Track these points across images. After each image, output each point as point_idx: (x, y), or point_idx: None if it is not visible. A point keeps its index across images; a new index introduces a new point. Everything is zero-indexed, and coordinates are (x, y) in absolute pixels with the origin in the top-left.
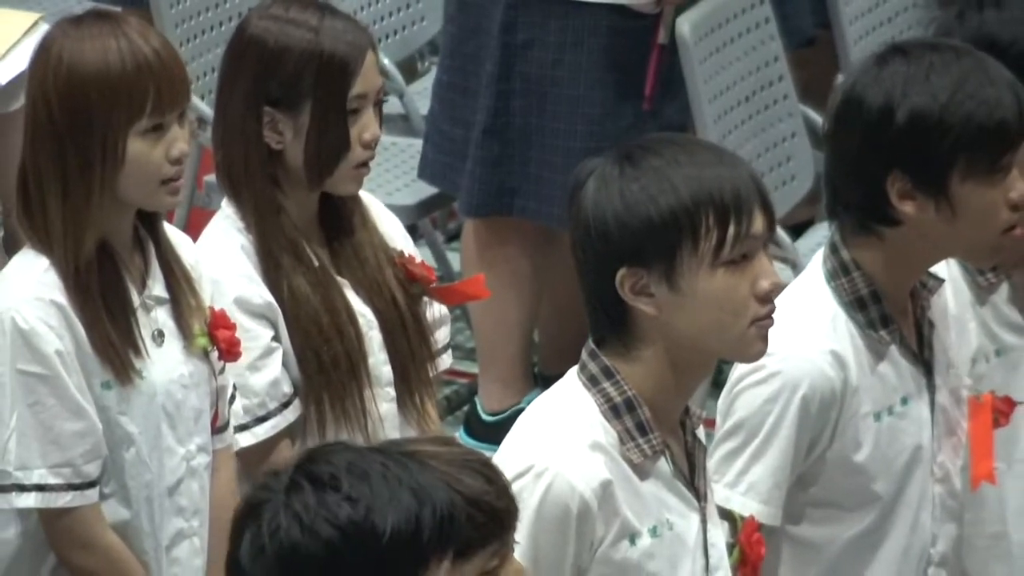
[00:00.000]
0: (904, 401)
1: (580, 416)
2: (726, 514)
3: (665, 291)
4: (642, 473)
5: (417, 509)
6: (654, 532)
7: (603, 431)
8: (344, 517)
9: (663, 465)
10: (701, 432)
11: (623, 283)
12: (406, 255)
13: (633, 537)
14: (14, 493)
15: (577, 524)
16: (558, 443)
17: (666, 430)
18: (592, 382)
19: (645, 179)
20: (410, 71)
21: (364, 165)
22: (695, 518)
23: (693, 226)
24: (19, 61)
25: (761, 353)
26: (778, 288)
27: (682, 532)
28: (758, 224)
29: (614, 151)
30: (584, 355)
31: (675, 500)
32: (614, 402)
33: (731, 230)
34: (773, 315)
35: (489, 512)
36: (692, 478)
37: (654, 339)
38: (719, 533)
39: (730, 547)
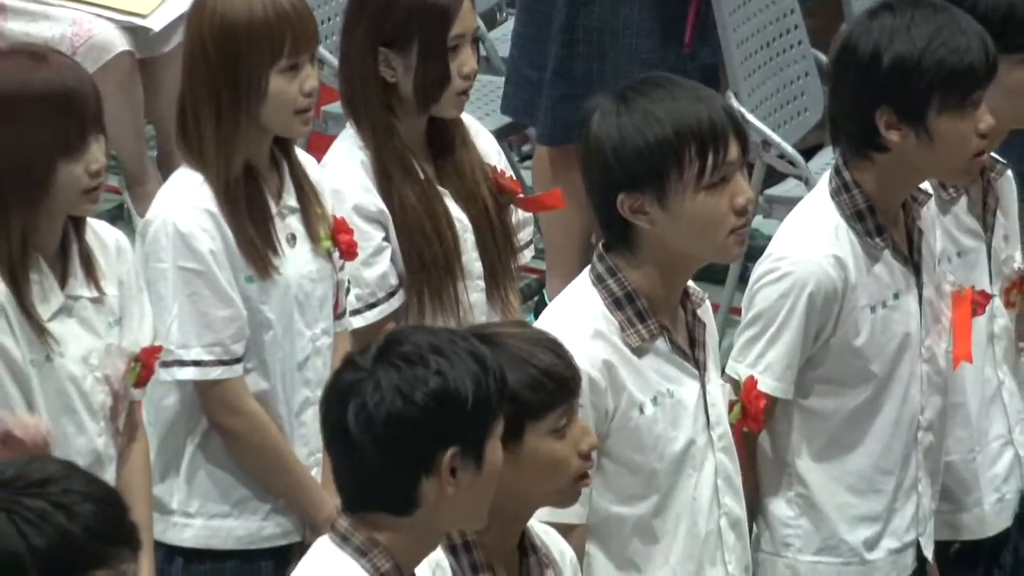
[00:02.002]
0: (896, 296)
1: (586, 309)
2: (735, 383)
3: (658, 210)
4: (641, 353)
5: (483, 376)
6: (655, 402)
7: (605, 322)
8: (435, 386)
9: (661, 344)
10: (708, 311)
11: (623, 204)
12: (498, 170)
13: (641, 407)
14: (176, 367)
15: (590, 397)
16: (566, 331)
17: (664, 315)
18: (599, 279)
19: (635, 116)
20: (490, 21)
21: (464, 93)
22: (695, 385)
23: (678, 156)
24: (169, 12)
25: (739, 256)
26: (751, 202)
27: (683, 398)
28: (733, 151)
29: (612, 92)
30: (594, 257)
31: (675, 371)
32: (616, 296)
33: (710, 159)
34: (748, 226)
35: (558, 380)
36: (693, 351)
37: (650, 247)
38: (719, 395)
39: (731, 405)
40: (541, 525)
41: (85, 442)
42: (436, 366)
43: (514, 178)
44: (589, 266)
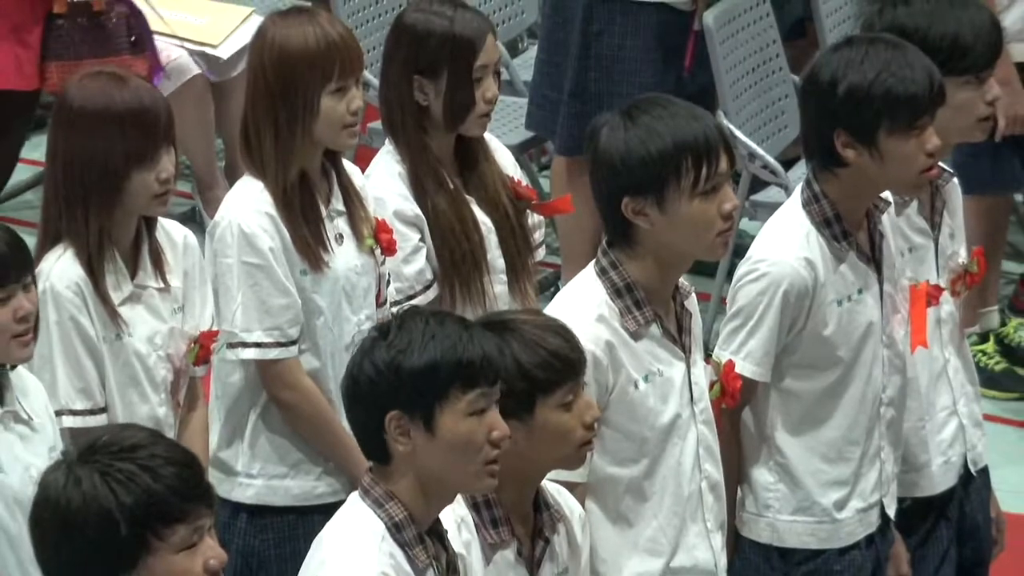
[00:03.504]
0: (860, 291)
1: (591, 297)
2: (715, 363)
3: (657, 213)
4: (637, 337)
5: (438, 356)
6: (647, 379)
7: (607, 307)
8: (387, 358)
9: (654, 329)
10: (694, 302)
11: (626, 207)
12: (515, 179)
13: (635, 384)
14: (240, 348)
15: (594, 372)
16: (573, 316)
17: (658, 305)
18: (602, 272)
19: (640, 131)
20: (513, 49)
21: (487, 115)
22: (681, 366)
23: (676, 167)
24: (237, 42)
25: (724, 255)
26: (736, 208)
27: (671, 376)
28: (723, 164)
29: (619, 109)
30: (598, 252)
31: (665, 354)
32: (617, 286)
33: (704, 170)
34: (733, 229)
35: (566, 361)
36: (680, 336)
37: (648, 244)
38: (701, 376)
39: (712, 384)
40: (553, 485)
41: (148, 410)
42: (399, 343)
43: (530, 186)
44: (594, 260)
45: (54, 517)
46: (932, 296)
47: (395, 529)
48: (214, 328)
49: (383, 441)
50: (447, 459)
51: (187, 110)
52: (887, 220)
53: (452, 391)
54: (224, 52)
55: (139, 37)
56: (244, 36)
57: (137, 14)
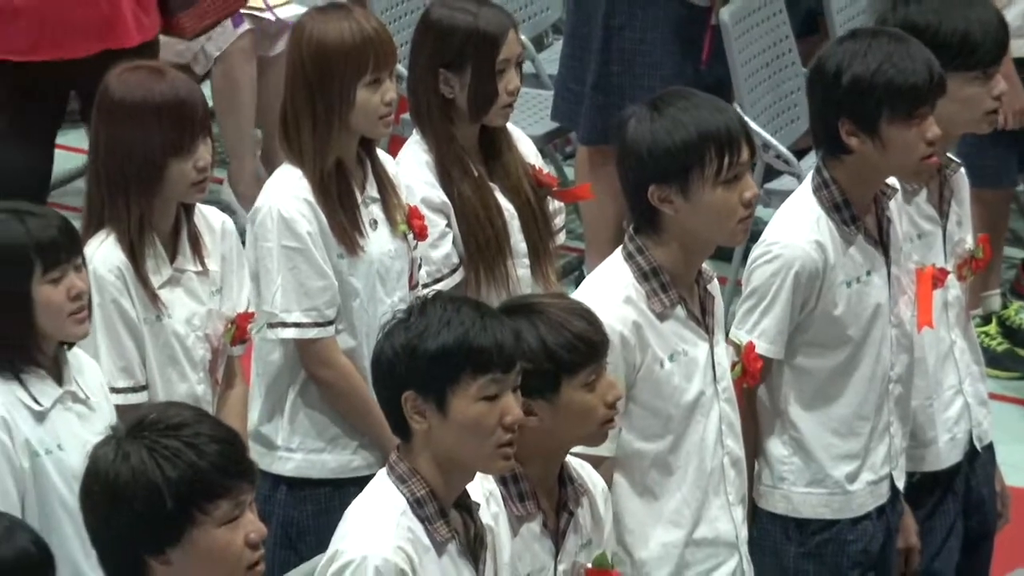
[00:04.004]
0: (868, 273)
1: (618, 280)
2: (735, 345)
3: (681, 200)
4: (663, 318)
5: (450, 342)
6: (672, 358)
7: (634, 290)
8: (403, 340)
9: (679, 311)
10: (716, 286)
11: (652, 195)
12: (537, 167)
13: (661, 363)
14: (279, 328)
15: (622, 351)
16: (601, 298)
17: (682, 288)
18: (629, 257)
19: (666, 122)
20: (539, 44)
21: (509, 107)
22: (704, 346)
23: (700, 157)
24: (286, 12)
25: (744, 240)
26: (756, 196)
27: (695, 356)
28: (744, 154)
29: (646, 101)
30: (625, 238)
31: (690, 334)
32: (643, 270)
33: (726, 160)
34: (752, 215)
35: (589, 343)
36: (704, 318)
37: (673, 230)
38: (723, 355)
39: (733, 364)
40: (577, 460)
41: (186, 388)
42: (416, 327)
43: (550, 174)
44: (621, 245)
45: (103, 490)
46: (938, 279)
47: (416, 504)
48: (250, 310)
49: (403, 418)
50: (459, 440)
51: (237, 61)
52: (895, 206)
53: (463, 376)
54: (283, 13)
55: None
56: (288, 13)
57: None
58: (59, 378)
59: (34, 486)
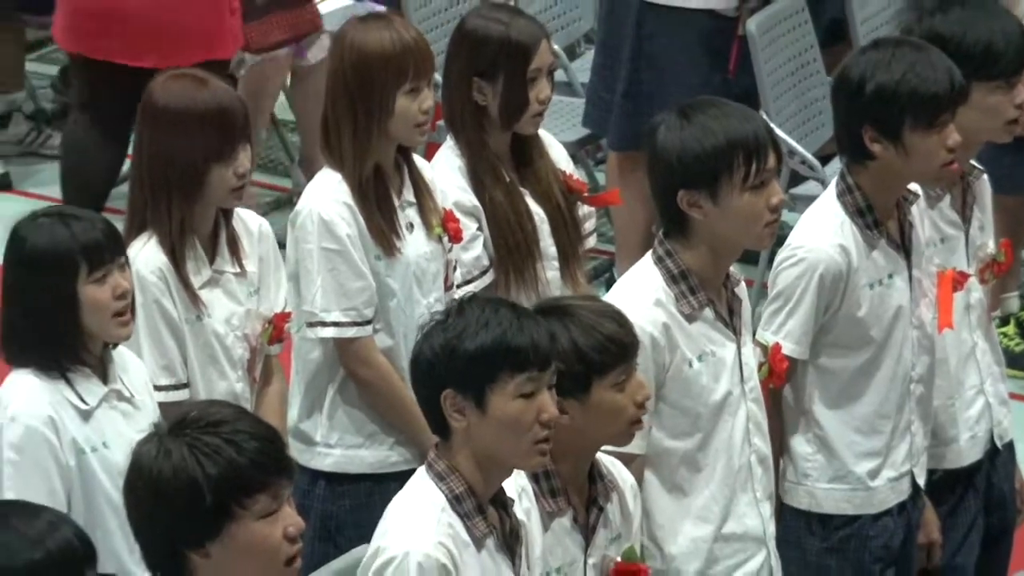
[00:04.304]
0: (890, 276)
1: (649, 283)
2: (763, 347)
3: (710, 205)
4: (691, 320)
5: (488, 342)
6: (701, 359)
7: (664, 293)
8: (442, 340)
9: (707, 313)
10: (743, 289)
11: (682, 200)
12: (567, 173)
13: (690, 363)
14: (319, 327)
15: (652, 352)
16: (632, 301)
17: (710, 291)
18: (659, 260)
19: (695, 129)
20: (571, 53)
21: (540, 115)
22: (732, 347)
23: (729, 163)
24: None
25: (770, 244)
26: (782, 202)
27: (722, 356)
28: (771, 161)
29: (675, 109)
30: (655, 242)
31: (718, 335)
32: (672, 273)
33: (754, 166)
34: (779, 220)
35: (620, 345)
36: (731, 320)
37: (701, 235)
38: (751, 356)
39: (760, 365)
40: (608, 457)
41: (226, 386)
42: (455, 328)
43: (580, 179)
44: (651, 249)
45: (146, 486)
46: (957, 281)
47: (455, 501)
48: (287, 310)
49: (442, 417)
50: (498, 437)
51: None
52: (916, 211)
53: (501, 374)
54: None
55: None
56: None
57: None
58: (104, 377)
59: (80, 483)
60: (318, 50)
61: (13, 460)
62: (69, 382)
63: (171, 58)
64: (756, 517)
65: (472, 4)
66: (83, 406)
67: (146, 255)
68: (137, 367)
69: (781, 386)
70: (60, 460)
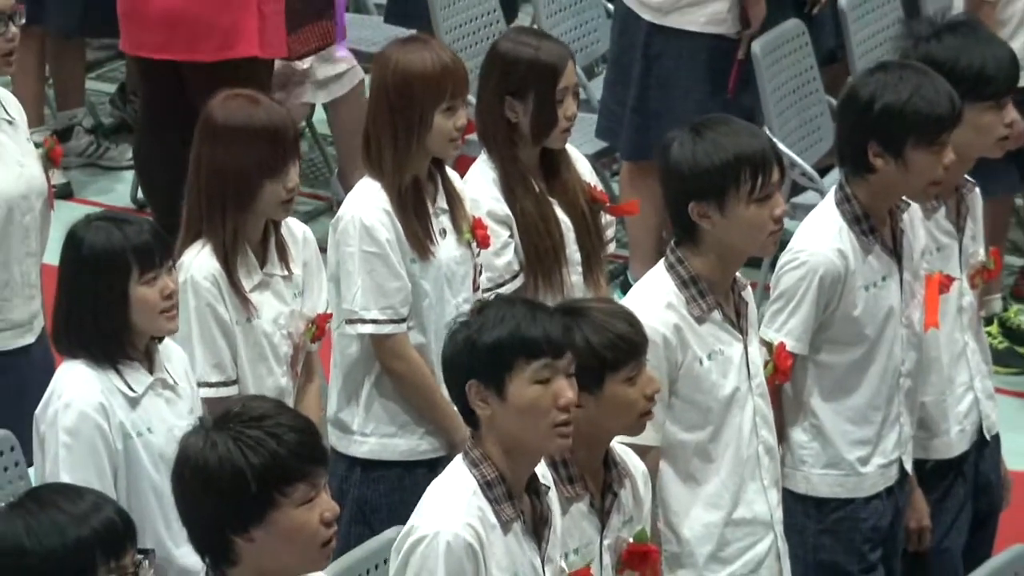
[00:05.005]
0: (883, 279)
1: (661, 287)
2: (768, 345)
3: (718, 216)
4: (701, 321)
5: (504, 334)
6: (710, 357)
7: (675, 296)
8: (465, 335)
9: (716, 315)
10: (750, 293)
11: (693, 210)
12: (591, 185)
13: (700, 361)
14: (358, 324)
15: (664, 351)
16: (646, 303)
17: (718, 294)
18: (671, 267)
19: (706, 144)
20: (590, 72)
21: (567, 131)
22: (739, 346)
23: (736, 177)
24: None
25: (773, 252)
26: (785, 213)
27: (730, 355)
28: (775, 175)
29: (688, 125)
30: (667, 250)
31: (726, 335)
32: (683, 278)
33: (759, 180)
34: (782, 230)
35: (630, 343)
36: (738, 321)
37: (710, 243)
38: (757, 355)
39: (766, 363)
40: (620, 446)
41: (273, 382)
42: (475, 324)
43: (603, 191)
44: (664, 256)
45: (194, 476)
46: (943, 284)
47: (487, 487)
48: (328, 311)
49: (470, 408)
50: (519, 421)
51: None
52: (908, 220)
53: (517, 363)
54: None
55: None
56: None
57: None
58: (151, 367)
59: (125, 465)
60: (338, 88)
61: (67, 443)
62: (118, 371)
63: (190, 52)
64: (764, 503)
65: (493, 28)
66: (131, 394)
67: (200, 262)
68: (180, 356)
69: (785, 382)
70: (109, 443)
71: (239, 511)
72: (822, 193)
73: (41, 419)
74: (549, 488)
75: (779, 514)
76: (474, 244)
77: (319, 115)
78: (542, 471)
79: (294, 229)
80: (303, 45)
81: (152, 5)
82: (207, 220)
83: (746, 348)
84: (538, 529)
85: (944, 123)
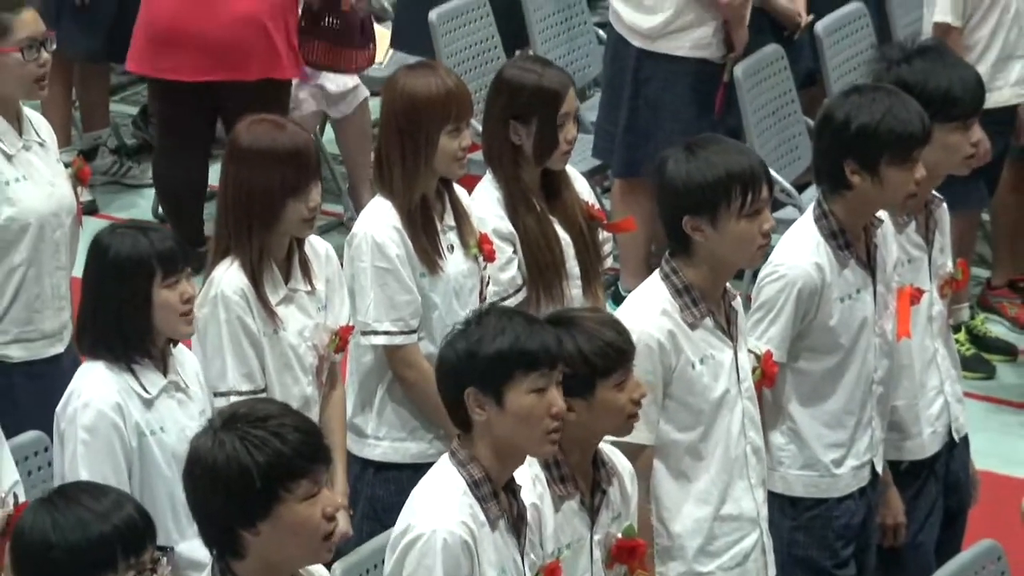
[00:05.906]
0: (858, 291)
1: (656, 296)
2: (755, 354)
3: (711, 230)
4: (693, 327)
5: (504, 346)
6: (702, 361)
7: (670, 304)
8: (465, 344)
9: (708, 322)
10: (739, 303)
11: (686, 224)
12: (589, 203)
13: (693, 365)
14: (372, 336)
15: (659, 355)
16: (642, 310)
17: (711, 303)
18: (665, 277)
19: (700, 162)
20: (582, 95)
21: (567, 153)
22: (729, 351)
23: (727, 193)
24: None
25: (760, 263)
26: (773, 228)
27: (721, 360)
28: (764, 192)
29: (682, 144)
30: (662, 261)
31: (716, 341)
32: (677, 287)
33: (749, 197)
34: (769, 243)
35: (619, 350)
36: (729, 328)
37: (702, 255)
38: (746, 360)
39: (754, 369)
40: (608, 446)
41: (298, 391)
42: (475, 335)
43: (601, 209)
44: (659, 267)
45: (203, 473)
46: (914, 297)
47: (474, 486)
48: (350, 324)
49: (465, 412)
50: (514, 428)
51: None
52: (881, 235)
53: (516, 373)
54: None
55: (366, 29)
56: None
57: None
58: (165, 370)
59: (139, 462)
60: (345, 106)
61: (86, 441)
62: (134, 373)
63: (233, 74)
64: (751, 501)
65: (492, 53)
66: (146, 395)
67: (229, 277)
68: (192, 360)
69: (771, 387)
70: (125, 441)
71: (246, 506)
72: (800, 208)
73: (61, 417)
74: (521, 488)
75: (765, 511)
76: (481, 258)
77: (328, 135)
78: (535, 471)
79: (317, 247)
80: (353, 63)
81: (189, 29)
82: (235, 238)
83: (736, 353)
84: (517, 526)
85: (916, 141)
